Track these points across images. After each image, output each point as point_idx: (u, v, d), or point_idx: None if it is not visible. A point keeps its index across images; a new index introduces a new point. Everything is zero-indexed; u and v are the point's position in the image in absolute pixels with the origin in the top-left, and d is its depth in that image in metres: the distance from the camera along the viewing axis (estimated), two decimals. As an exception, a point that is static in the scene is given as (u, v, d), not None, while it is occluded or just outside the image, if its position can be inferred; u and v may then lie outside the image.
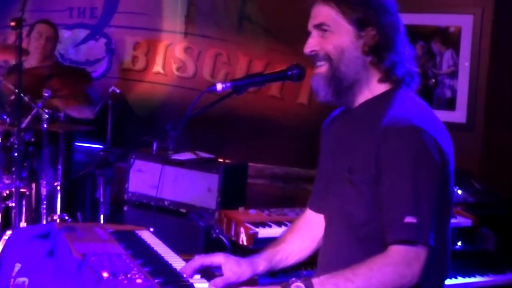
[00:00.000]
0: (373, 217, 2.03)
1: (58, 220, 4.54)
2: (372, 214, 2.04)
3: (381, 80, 2.13)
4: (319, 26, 2.13)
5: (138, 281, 1.92)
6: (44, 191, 4.63)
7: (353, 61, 2.12)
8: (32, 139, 4.63)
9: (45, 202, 4.62)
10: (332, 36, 2.12)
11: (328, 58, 2.12)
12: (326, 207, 2.26)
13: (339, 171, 2.14)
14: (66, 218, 4.61)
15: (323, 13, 2.13)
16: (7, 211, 4.46)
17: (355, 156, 2.08)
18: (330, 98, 2.13)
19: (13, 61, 4.99)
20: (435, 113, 2.12)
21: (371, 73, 2.13)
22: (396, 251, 1.93)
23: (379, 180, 1.99)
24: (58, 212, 4.62)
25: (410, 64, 2.16)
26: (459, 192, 4.05)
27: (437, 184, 1.97)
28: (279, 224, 3.49)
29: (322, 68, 2.13)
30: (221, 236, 3.45)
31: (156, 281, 1.96)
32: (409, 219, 1.91)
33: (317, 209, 2.37)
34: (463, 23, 4.91)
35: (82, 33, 6.29)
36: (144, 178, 4.63)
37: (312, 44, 2.14)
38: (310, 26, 2.16)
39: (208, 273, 2.17)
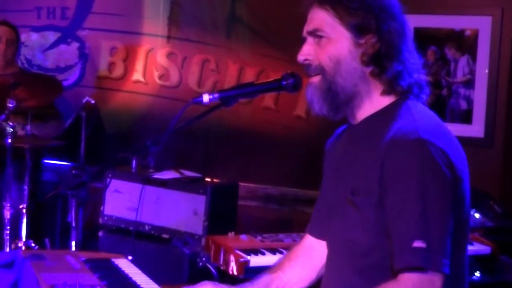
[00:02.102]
0: (378, 244, 2.05)
1: (23, 248, 4.53)
2: (377, 241, 2.05)
3: (384, 93, 2.14)
4: (314, 33, 2.14)
5: (115, 315, 1.93)
6: (7, 215, 4.62)
7: (351, 72, 2.13)
8: (-6, 156, 4.63)
9: (8, 227, 4.61)
10: (328, 44, 2.13)
11: (322, 69, 2.13)
12: (328, 234, 2.28)
13: (341, 193, 2.15)
14: (33, 245, 4.60)
15: (318, 18, 2.15)
16: (-35, 237, 4.46)
17: (358, 176, 2.10)
18: (326, 112, 2.14)
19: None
20: (446, 126, 2.14)
21: (373, 85, 2.14)
22: (408, 279, 1.94)
23: (385, 201, 2.00)
24: (24, 239, 4.61)
25: (418, 73, 2.17)
26: (477, 216, 4.07)
27: (449, 204, 1.98)
28: (273, 251, 3.50)
29: (315, 79, 2.15)
30: (208, 265, 3.45)
31: (135, 315, 1.97)
32: (417, 244, 1.92)
33: (318, 235, 2.38)
34: (480, 25, 4.95)
35: (52, 36, 6.30)
36: (122, 199, 4.63)
37: (306, 52, 2.16)
38: (305, 32, 2.18)
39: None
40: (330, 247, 2.27)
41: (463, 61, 5.02)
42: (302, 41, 2.19)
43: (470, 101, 5.00)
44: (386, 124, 2.07)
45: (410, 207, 1.95)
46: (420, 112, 2.11)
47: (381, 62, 2.12)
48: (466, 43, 5.00)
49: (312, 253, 2.39)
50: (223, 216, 4.52)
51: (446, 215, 1.97)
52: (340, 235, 2.17)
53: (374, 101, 2.14)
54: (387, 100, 2.14)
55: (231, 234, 3.73)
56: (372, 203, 2.04)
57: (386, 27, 2.11)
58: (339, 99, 2.13)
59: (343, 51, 2.12)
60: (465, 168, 2.07)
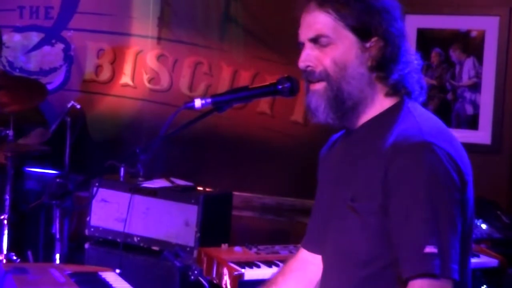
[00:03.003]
0: (379, 253, 2.06)
1: (4, 261, 4.53)
2: (378, 250, 2.06)
3: (387, 95, 2.16)
4: (316, 40, 2.14)
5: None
6: (-12, 226, 4.63)
7: (358, 78, 2.14)
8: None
9: (-11, 239, 4.61)
10: (333, 48, 2.13)
11: (327, 75, 2.13)
12: (324, 247, 2.29)
13: (340, 201, 2.16)
14: (15, 258, 4.61)
15: (319, 22, 2.14)
16: None
17: (359, 181, 2.11)
18: (331, 120, 2.15)
19: None
20: (448, 128, 2.16)
21: (377, 88, 2.16)
22: (420, 286, 1.95)
23: (389, 207, 2.01)
24: (5, 251, 4.61)
25: (418, 74, 2.20)
26: (483, 226, 4.08)
27: (458, 208, 2.00)
28: (269, 264, 3.51)
29: (319, 86, 2.15)
30: (200, 278, 3.45)
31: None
32: (429, 249, 1.93)
33: (313, 249, 2.39)
34: (487, 26, 4.97)
35: (35, 37, 6.30)
36: (109, 209, 4.63)
37: (307, 58, 2.16)
38: (303, 37, 2.17)
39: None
40: (326, 261, 2.29)
41: (469, 63, 5.03)
42: (299, 46, 2.19)
43: (476, 106, 5.01)
44: (388, 126, 2.09)
45: (418, 211, 1.97)
46: (422, 115, 2.14)
47: (388, 65, 2.13)
48: (472, 45, 5.01)
49: (307, 267, 2.40)
50: (216, 227, 4.52)
51: (455, 220, 1.99)
52: (338, 246, 2.18)
53: (377, 104, 2.16)
54: (388, 102, 2.16)
55: (224, 246, 3.74)
56: (374, 209, 2.05)
57: (392, 29, 2.13)
58: (346, 106, 2.14)
59: (350, 56, 2.13)
60: (469, 172, 2.10)
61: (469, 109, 5.03)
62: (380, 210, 2.04)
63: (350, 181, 2.15)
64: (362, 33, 2.12)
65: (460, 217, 2.01)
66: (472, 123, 5.01)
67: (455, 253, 1.97)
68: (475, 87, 5.01)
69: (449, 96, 5.05)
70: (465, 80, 5.04)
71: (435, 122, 2.15)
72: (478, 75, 5.00)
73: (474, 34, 5.01)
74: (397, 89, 2.15)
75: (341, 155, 2.26)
